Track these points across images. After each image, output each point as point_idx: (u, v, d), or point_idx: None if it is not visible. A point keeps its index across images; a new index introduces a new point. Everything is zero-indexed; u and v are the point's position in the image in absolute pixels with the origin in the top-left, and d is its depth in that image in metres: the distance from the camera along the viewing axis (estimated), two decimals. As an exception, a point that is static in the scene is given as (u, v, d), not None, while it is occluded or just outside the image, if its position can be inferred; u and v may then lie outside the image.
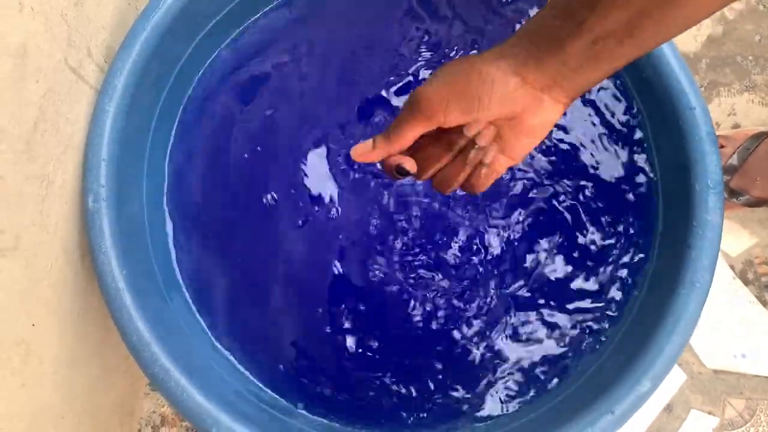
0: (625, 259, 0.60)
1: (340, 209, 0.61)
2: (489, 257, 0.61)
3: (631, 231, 0.60)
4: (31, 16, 0.44)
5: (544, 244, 0.61)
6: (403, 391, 0.58)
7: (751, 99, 0.81)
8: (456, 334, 0.59)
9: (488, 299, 0.60)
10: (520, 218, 0.62)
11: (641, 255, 0.59)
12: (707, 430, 0.74)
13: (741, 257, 0.78)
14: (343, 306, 0.59)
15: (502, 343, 0.59)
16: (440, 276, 0.60)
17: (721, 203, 0.53)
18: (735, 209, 0.78)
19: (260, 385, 0.57)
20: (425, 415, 0.57)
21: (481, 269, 0.61)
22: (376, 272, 0.60)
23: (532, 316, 0.60)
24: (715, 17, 0.82)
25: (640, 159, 0.61)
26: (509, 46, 0.36)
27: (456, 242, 0.61)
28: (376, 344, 0.59)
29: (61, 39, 0.49)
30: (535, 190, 0.62)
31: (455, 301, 0.60)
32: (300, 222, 0.61)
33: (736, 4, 0.82)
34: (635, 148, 0.61)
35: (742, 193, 0.75)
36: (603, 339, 0.58)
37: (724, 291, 0.77)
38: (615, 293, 0.59)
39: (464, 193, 0.60)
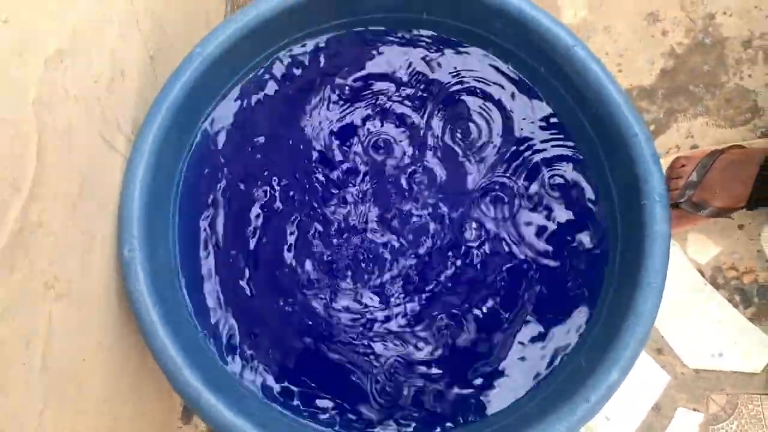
0: (593, 269, 0.68)
1: (355, 246, 0.70)
2: (476, 263, 0.69)
3: (596, 243, 0.69)
4: (75, 102, 0.54)
5: (521, 253, 0.69)
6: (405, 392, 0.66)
7: (705, 122, 0.90)
8: (459, 340, 0.67)
9: (483, 304, 0.68)
10: (501, 233, 0.70)
11: (606, 265, 0.67)
12: (694, 426, 0.80)
13: (710, 264, 0.86)
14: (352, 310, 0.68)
15: (497, 346, 0.67)
16: (436, 290, 0.69)
17: (667, 214, 0.61)
18: (700, 221, 0.86)
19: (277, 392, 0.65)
20: (425, 419, 0.65)
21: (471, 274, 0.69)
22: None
23: (522, 321, 0.68)
24: (666, 52, 0.92)
25: (599, 181, 0.70)
26: None
27: (447, 253, 0.70)
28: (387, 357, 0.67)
29: (97, 117, 0.58)
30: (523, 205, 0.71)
31: (456, 310, 0.68)
32: (312, 254, 0.70)
33: (684, 39, 0.92)
34: (593, 171, 0.70)
35: (705, 206, 0.82)
36: (581, 339, 0.65)
37: (698, 296, 0.84)
38: (588, 299, 0.67)
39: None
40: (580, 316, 0.67)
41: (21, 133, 0.47)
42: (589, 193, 0.71)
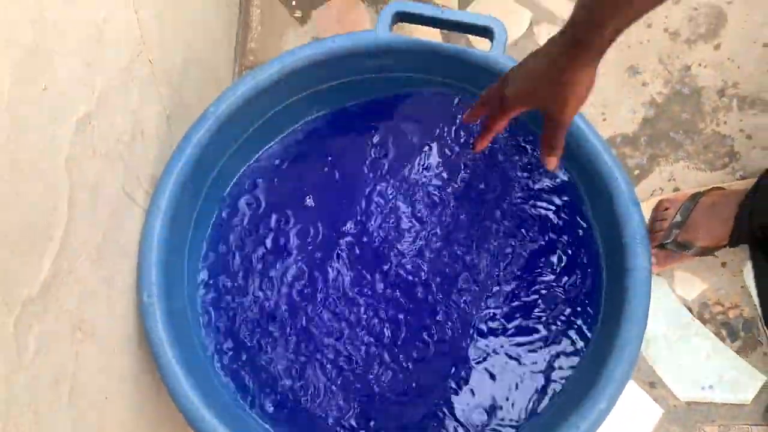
0: (580, 306, 0.72)
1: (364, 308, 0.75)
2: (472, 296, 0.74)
3: (583, 281, 0.73)
4: (100, 159, 0.59)
5: (511, 288, 0.74)
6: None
7: (686, 166, 0.96)
8: (456, 383, 0.71)
9: (486, 339, 0.72)
10: (500, 272, 0.75)
11: (592, 301, 0.71)
12: (689, 458, 0.83)
13: (697, 301, 0.90)
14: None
15: (498, 375, 0.71)
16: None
17: (647, 251, 0.65)
18: (686, 260, 0.90)
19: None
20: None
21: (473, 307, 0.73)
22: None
23: (517, 356, 0.72)
24: (647, 102, 0.98)
25: (585, 222, 0.74)
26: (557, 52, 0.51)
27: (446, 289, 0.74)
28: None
29: (119, 172, 0.64)
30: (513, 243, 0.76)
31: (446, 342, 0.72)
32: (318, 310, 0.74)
33: (663, 89, 0.98)
34: (580, 215, 0.75)
35: (689, 246, 0.87)
36: (570, 372, 0.69)
37: (687, 331, 0.88)
38: (577, 334, 0.71)
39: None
40: (569, 350, 0.71)
41: (55, 188, 0.52)
42: (576, 234, 0.76)
